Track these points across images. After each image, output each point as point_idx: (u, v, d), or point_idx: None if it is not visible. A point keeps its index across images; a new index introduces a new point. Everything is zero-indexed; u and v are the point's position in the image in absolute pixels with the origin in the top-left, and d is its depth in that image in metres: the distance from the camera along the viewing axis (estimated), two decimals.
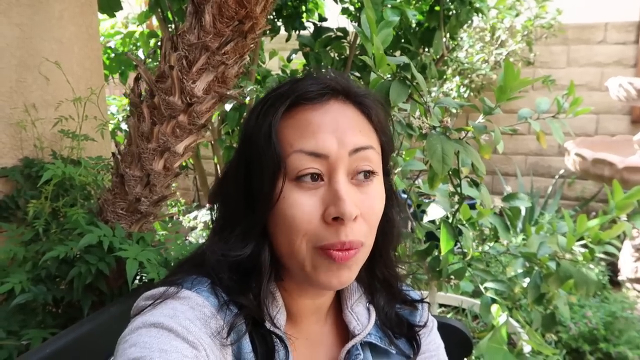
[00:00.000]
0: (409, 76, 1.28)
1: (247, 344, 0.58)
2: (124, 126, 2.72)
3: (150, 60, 2.45)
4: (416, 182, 1.88)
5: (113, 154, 1.29)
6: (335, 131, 0.58)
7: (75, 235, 1.20)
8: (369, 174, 0.59)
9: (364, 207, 0.58)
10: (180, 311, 0.54)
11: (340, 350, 0.67)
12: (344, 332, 0.69)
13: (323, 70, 2.50)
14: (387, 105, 1.27)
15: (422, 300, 0.76)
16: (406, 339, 0.72)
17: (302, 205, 0.56)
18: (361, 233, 0.58)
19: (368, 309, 0.70)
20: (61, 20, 1.74)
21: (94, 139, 1.63)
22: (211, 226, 0.67)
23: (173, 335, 0.51)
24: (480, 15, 2.60)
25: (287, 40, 2.66)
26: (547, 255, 1.49)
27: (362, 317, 0.69)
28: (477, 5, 2.55)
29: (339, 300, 0.71)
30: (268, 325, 0.59)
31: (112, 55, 2.62)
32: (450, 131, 1.32)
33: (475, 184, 1.46)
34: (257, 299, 0.59)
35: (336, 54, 2.65)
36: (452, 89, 3.65)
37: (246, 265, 0.60)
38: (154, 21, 2.99)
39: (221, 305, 0.57)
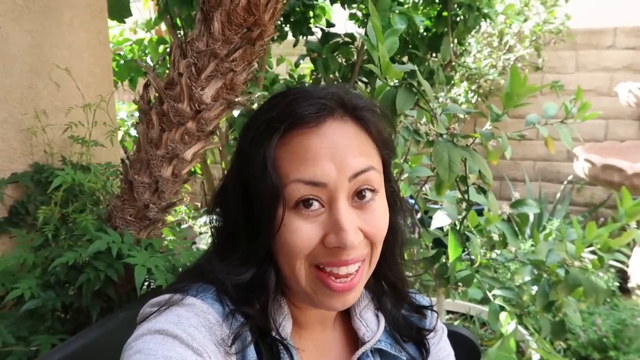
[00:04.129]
0: (415, 83, 1.28)
1: (251, 353, 0.58)
2: (133, 132, 2.74)
3: (159, 66, 2.47)
4: (423, 188, 1.87)
5: (122, 160, 1.31)
6: (334, 157, 0.56)
7: (84, 241, 1.21)
8: (371, 194, 0.58)
9: (368, 227, 0.58)
10: (185, 318, 0.55)
11: (351, 357, 0.67)
12: (353, 339, 0.69)
13: (320, 82, 2.49)
14: (391, 114, 1.27)
15: (430, 307, 0.76)
16: (415, 344, 0.72)
17: (302, 231, 0.56)
18: (365, 249, 0.59)
19: (377, 315, 0.70)
20: (71, 27, 1.76)
21: (104, 145, 1.65)
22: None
23: (178, 342, 0.51)
24: (488, 20, 2.60)
25: (295, 45, 2.67)
26: (555, 262, 1.48)
27: (371, 324, 0.69)
28: (485, 10, 2.55)
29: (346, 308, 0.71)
30: (274, 334, 0.59)
31: (122, 62, 2.65)
32: (458, 138, 1.32)
33: (482, 191, 1.46)
34: (264, 310, 0.59)
35: (344, 60, 2.65)
36: (459, 94, 3.64)
37: (250, 285, 0.60)
38: (163, 27, 3.02)
39: (227, 314, 0.58)
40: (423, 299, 0.77)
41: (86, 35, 1.83)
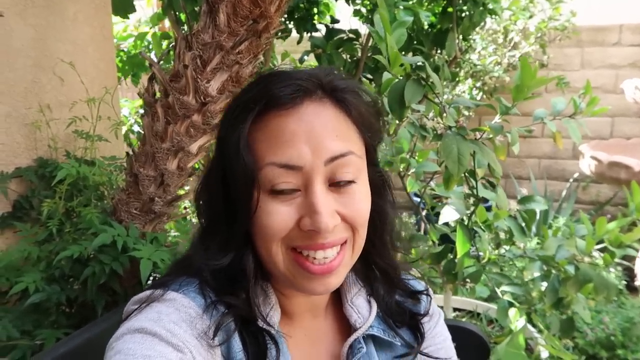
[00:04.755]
0: (424, 76, 1.27)
1: (237, 344, 0.57)
2: (136, 128, 2.73)
3: (163, 61, 2.46)
4: (430, 184, 1.85)
5: (127, 153, 1.29)
6: (310, 140, 0.54)
7: (89, 235, 1.20)
8: (349, 178, 0.57)
9: (347, 211, 0.56)
10: (165, 314, 0.54)
11: (343, 344, 0.65)
12: (345, 327, 0.68)
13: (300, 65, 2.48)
14: (399, 107, 1.26)
15: (423, 292, 0.74)
16: (409, 329, 0.70)
17: (278, 214, 0.55)
18: (343, 232, 0.57)
19: (369, 301, 0.68)
20: (75, 22, 1.74)
21: (108, 139, 1.63)
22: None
23: (157, 340, 0.51)
24: (493, 16, 2.58)
25: (299, 42, 2.65)
26: (565, 258, 1.46)
27: (363, 310, 0.67)
28: (491, 6, 2.52)
29: (338, 295, 0.69)
30: (261, 323, 0.58)
31: (125, 58, 2.63)
32: (466, 131, 1.30)
33: (491, 185, 1.44)
34: (247, 298, 0.58)
35: (348, 56, 2.63)
36: (464, 92, 3.62)
37: (230, 271, 0.59)
38: (166, 23, 3.01)
39: (207, 306, 0.57)
40: (418, 284, 0.75)
41: (90, 30, 1.82)
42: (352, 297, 0.68)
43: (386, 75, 1.41)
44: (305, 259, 0.56)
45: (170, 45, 2.02)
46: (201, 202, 0.64)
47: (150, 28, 2.76)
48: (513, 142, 1.34)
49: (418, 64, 1.28)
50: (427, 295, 0.74)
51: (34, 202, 1.43)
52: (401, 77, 1.33)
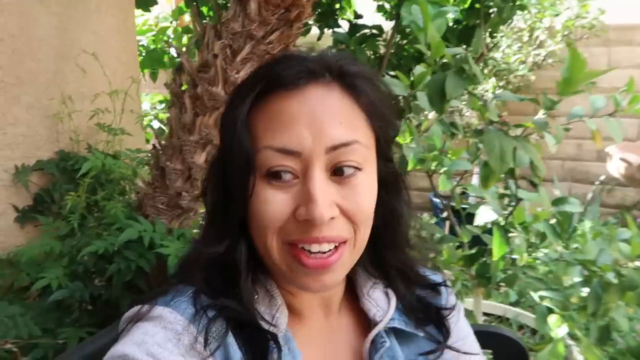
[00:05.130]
0: (465, 68, 1.20)
1: (234, 350, 0.53)
2: (155, 124, 2.70)
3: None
4: (460, 182, 1.78)
5: (154, 146, 1.24)
6: (311, 124, 0.50)
7: (113, 230, 1.15)
8: (352, 169, 0.52)
9: (347, 203, 0.52)
10: (151, 335, 0.51)
11: (364, 340, 0.61)
12: (363, 322, 0.63)
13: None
14: (439, 100, 1.20)
15: (442, 284, 0.69)
16: (434, 324, 0.66)
17: (273, 202, 0.51)
18: (343, 229, 0.52)
19: (386, 294, 0.64)
20: (99, 13, 1.70)
21: (130, 133, 1.59)
22: None
23: None
24: (521, 13, 2.50)
25: (319, 39, 2.60)
26: (608, 263, 1.38)
27: (381, 303, 0.63)
28: (519, 2, 2.45)
29: (353, 289, 0.64)
30: (265, 325, 0.54)
31: (144, 52, 2.60)
32: (509, 127, 1.24)
33: (533, 185, 1.37)
34: (241, 296, 0.54)
35: (371, 53, 2.58)
36: (487, 90, 3.53)
37: (227, 264, 0.55)
38: (186, 18, 2.97)
39: (195, 314, 0.53)
40: (435, 276, 0.70)
41: (113, 21, 1.78)
42: (368, 291, 0.64)
43: (418, 70, 1.35)
44: (301, 251, 0.52)
45: (193, 40, 1.98)
46: (206, 191, 0.60)
47: (171, 22, 2.73)
48: (558, 140, 1.27)
49: (459, 55, 1.21)
50: (446, 286, 0.70)
51: (55, 196, 1.39)
52: (435, 72, 1.27)
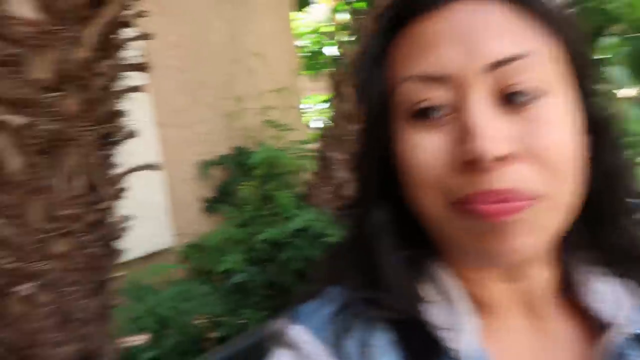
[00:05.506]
0: None
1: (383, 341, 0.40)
2: (317, 123, 2.83)
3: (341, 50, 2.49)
4: None
5: (319, 136, 1.27)
6: (462, 39, 0.37)
7: (282, 218, 1.20)
8: (530, 93, 0.37)
9: (529, 139, 0.36)
10: None
11: (592, 348, 0.43)
12: (586, 325, 0.45)
13: None
14: None
15: None
16: None
17: (421, 149, 0.38)
18: (530, 179, 0.36)
19: (621, 288, 0.45)
20: (262, 15, 1.82)
21: (294, 128, 1.67)
22: None
23: None
24: None
25: None
26: None
27: (615, 300, 0.44)
28: None
29: (567, 283, 0.46)
30: (445, 337, 0.40)
31: (306, 54, 2.73)
32: None
33: None
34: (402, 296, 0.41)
35: None
36: None
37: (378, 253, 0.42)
38: (338, 17, 3.04)
39: (338, 333, 0.40)
40: None
41: (274, 23, 1.88)
42: (593, 284, 0.45)
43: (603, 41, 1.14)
44: (473, 200, 0.37)
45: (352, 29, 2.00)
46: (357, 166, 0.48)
47: (329, 25, 2.82)
48: None
49: None
50: None
51: (232, 188, 1.52)
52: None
